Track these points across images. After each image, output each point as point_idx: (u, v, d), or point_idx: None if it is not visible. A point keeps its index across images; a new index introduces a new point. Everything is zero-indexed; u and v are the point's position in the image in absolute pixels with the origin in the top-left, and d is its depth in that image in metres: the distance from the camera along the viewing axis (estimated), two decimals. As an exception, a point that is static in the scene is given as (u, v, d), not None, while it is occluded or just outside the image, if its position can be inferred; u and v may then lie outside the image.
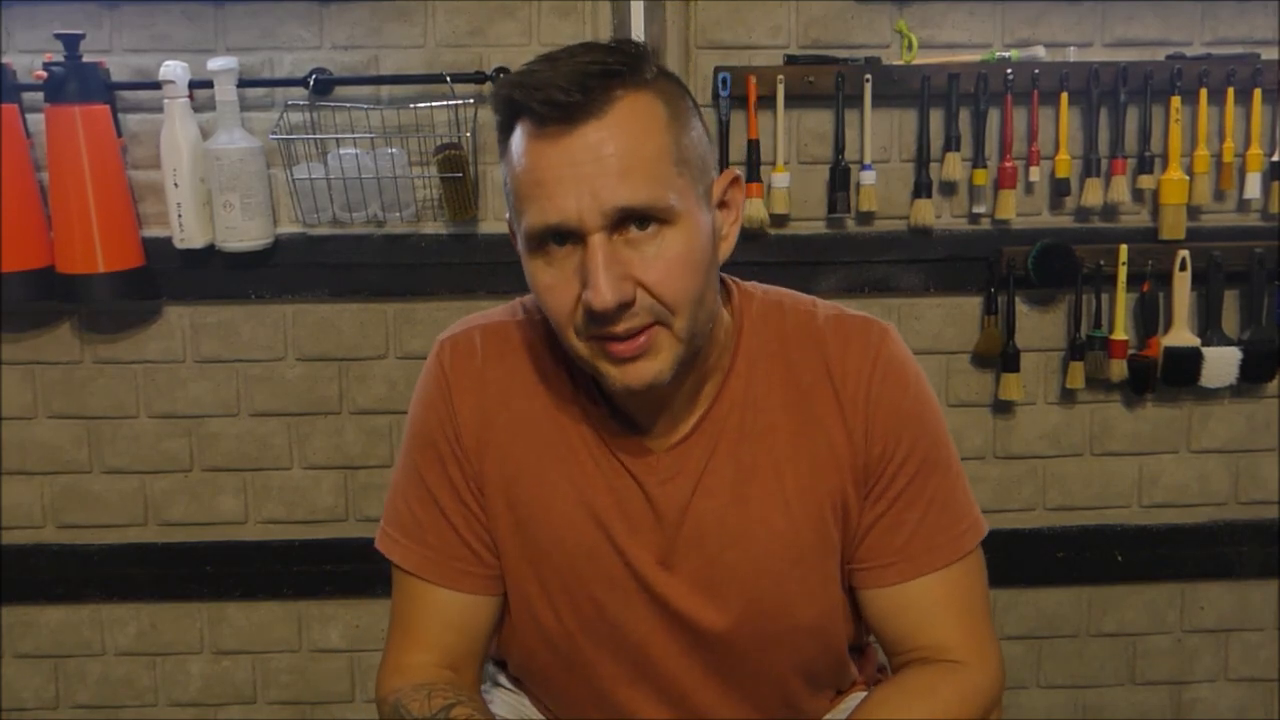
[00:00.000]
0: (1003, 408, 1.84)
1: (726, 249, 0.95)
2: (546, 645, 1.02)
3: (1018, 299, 1.79)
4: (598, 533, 0.98)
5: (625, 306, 0.85)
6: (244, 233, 1.69)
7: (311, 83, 1.69)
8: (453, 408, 1.00)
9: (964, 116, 1.74)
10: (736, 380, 0.98)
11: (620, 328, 0.85)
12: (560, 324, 0.89)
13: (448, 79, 1.68)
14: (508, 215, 0.93)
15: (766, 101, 1.71)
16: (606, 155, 0.83)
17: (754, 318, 1.00)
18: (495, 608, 1.03)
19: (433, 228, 1.77)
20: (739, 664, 1.01)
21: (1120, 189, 1.74)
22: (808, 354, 0.99)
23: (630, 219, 0.84)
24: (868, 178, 1.73)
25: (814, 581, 1.00)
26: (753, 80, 1.70)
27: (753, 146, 1.73)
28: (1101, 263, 1.75)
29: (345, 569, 1.83)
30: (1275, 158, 1.77)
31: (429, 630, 1.01)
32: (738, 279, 1.04)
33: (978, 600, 1.02)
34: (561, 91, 0.82)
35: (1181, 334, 1.78)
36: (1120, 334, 1.77)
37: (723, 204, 0.94)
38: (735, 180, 0.95)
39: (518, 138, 0.87)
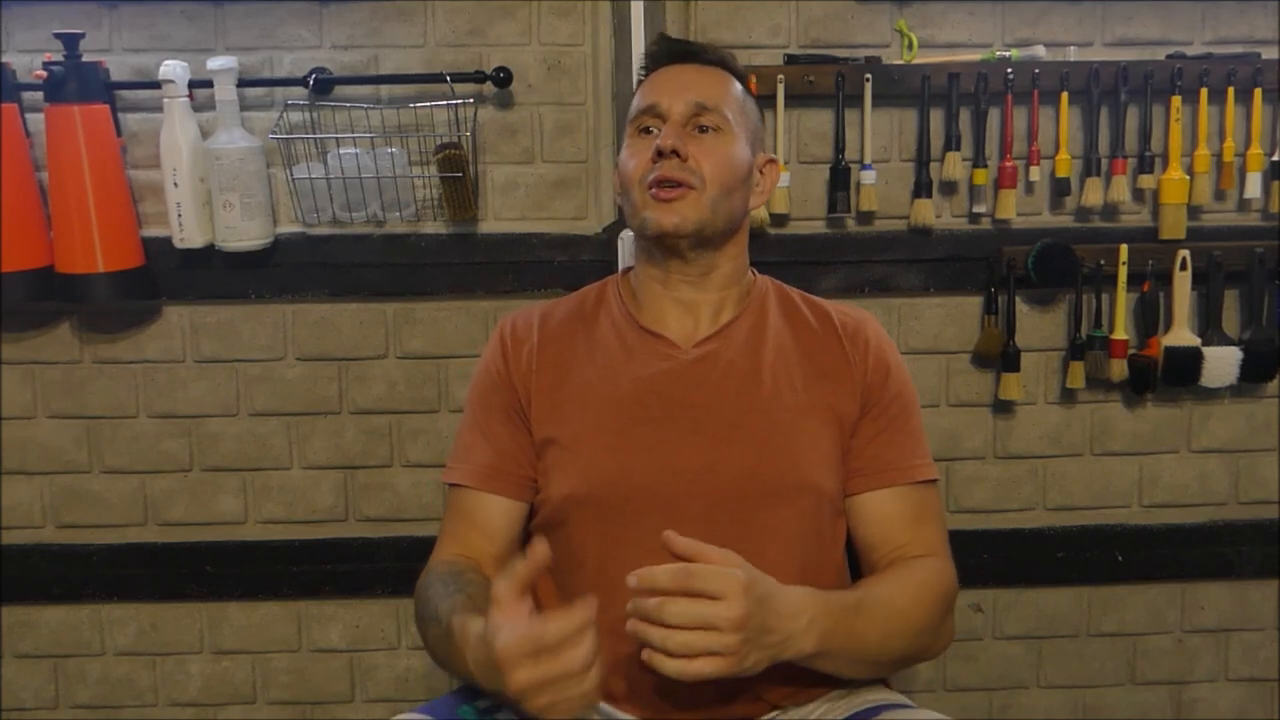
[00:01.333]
0: (1003, 408, 1.84)
1: (756, 202, 1.26)
2: (580, 512, 1.17)
3: (1018, 299, 1.79)
4: (628, 411, 1.18)
5: (678, 155, 1.17)
6: (244, 232, 1.69)
7: (311, 82, 1.69)
8: (505, 354, 1.24)
9: (964, 116, 1.74)
10: (753, 311, 1.25)
11: (672, 172, 1.16)
12: (633, 179, 1.20)
13: (448, 79, 1.68)
14: (621, 150, 1.25)
15: (766, 101, 1.71)
16: (695, 78, 1.24)
17: (773, 285, 1.30)
18: (519, 514, 1.23)
19: (433, 228, 1.77)
20: (752, 518, 1.15)
21: (1120, 189, 1.74)
22: (815, 312, 1.27)
23: (699, 113, 1.20)
24: (868, 177, 1.73)
25: (818, 453, 1.18)
26: (753, 80, 1.67)
27: (753, 146, 1.73)
28: (1102, 262, 1.75)
29: (345, 569, 1.83)
30: (1276, 157, 1.77)
31: (461, 532, 1.22)
32: None
33: (940, 519, 1.24)
34: (688, 44, 1.29)
35: (1182, 334, 1.77)
36: (1120, 334, 1.77)
37: (760, 171, 1.27)
38: (772, 161, 1.29)
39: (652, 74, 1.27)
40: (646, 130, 1.22)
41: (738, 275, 1.26)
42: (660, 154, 1.17)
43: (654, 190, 1.17)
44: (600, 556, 1.16)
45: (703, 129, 1.20)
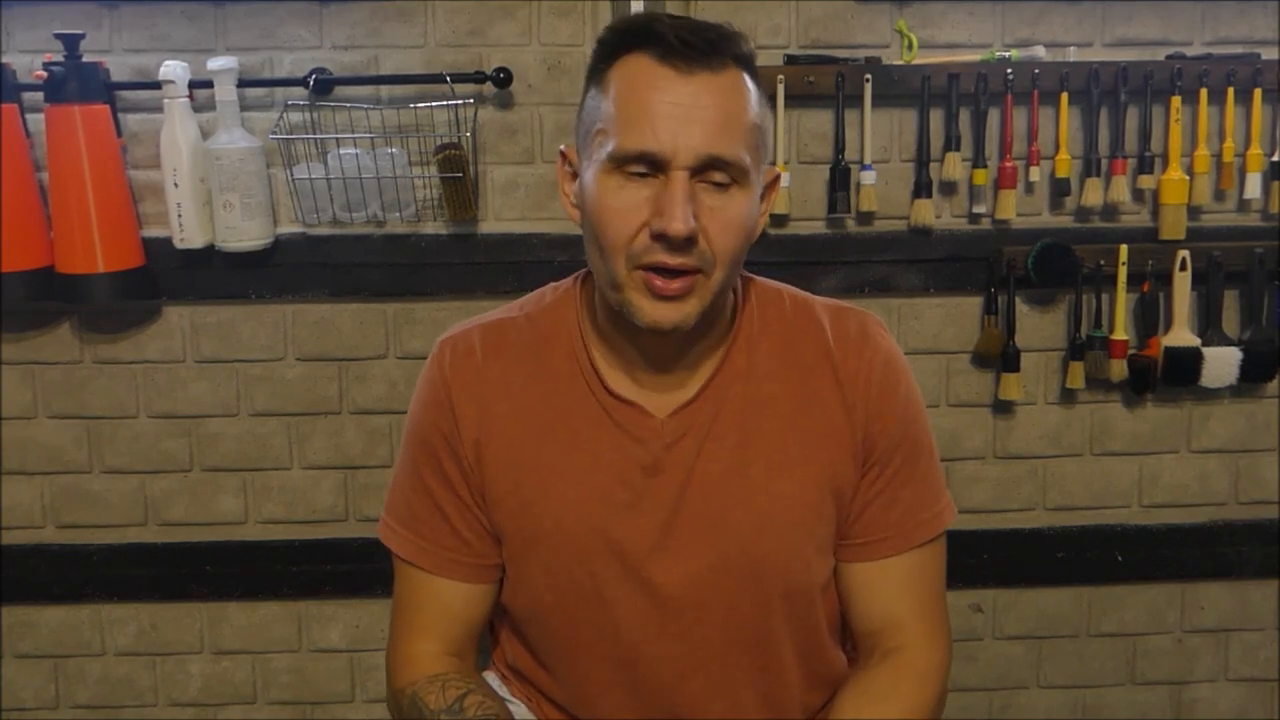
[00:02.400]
0: (1003, 408, 1.83)
1: (756, 233, 1.01)
2: (546, 620, 1.07)
3: (1018, 299, 1.79)
4: (599, 508, 1.02)
5: (691, 241, 0.92)
6: (244, 233, 1.69)
7: (311, 83, 1.69)
8: (451, 407, 1.05)
9: (964, 116, 1.74)
10: (738, 354, 1.05)
11: (677, 261, 0.92)
12: (613, 248, 0.94)
13: (448, 79, 1.68)
14: (573, 142, 1.01)
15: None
16: (711, 107, 0.92)
17: (755, 300, 1.08)
18: (488, 596, 1.10)
19: (433, 228, 1.77)
20: (740, 629, 1.04)
21: (1120, 189, 1.74)
22: (807, 335, 1.06)
23: (712, 168, 0.92)
24: (868, 178, 1.73)
25: (812, 546, 1.05)
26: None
27: (753, 146, 1.73)
28: (1101, 263, 1.75)
29: (345, 569, 1.83)
30: (1275, 158, 1.76)
31: (430, 618, 1.08)
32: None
33: (939, 580, 1.10)
34: (691, 34, 0.92)
35: (1182, 334, 1.77)
36: (1120, 334, 1.77)
37: (762, 195, 1.01)
38: (777, 178, 1.04)
39: (630, 65, 0.94)
40: (636, 174, 0.93)
41: (724, 324, 1.05)
42: (664, 237, 0.91)
43: (649, 275, 0.93)
44: (569, 662, 1.08)
45: (717, 184, 0.94)
